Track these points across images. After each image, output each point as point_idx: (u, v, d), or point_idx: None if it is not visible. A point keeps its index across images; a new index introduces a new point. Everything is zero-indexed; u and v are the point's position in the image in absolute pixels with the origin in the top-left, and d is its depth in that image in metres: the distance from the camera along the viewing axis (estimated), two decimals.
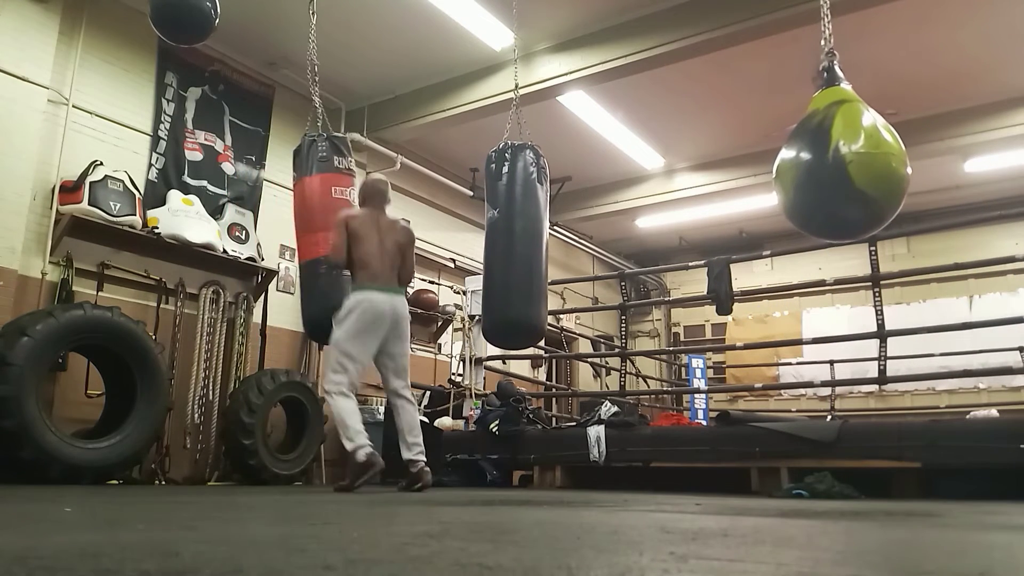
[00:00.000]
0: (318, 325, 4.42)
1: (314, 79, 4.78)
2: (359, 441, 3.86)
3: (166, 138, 5.79)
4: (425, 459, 4.14)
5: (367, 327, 3.99)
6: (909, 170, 3.20)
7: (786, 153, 3.37)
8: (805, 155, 3.27)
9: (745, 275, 8.84)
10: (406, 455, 4.15)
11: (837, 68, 3.47)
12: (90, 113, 5.33)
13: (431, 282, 8.03)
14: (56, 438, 4.04)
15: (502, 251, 4.29)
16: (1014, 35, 6.14)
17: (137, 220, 5.23)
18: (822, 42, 3.55)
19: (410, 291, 7.20)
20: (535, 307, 4.25)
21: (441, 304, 7.89)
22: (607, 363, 10.08)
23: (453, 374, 7.41)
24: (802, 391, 9.95)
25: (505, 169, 4.33)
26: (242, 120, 6.42)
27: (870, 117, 3.23)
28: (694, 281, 10.24)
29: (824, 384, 8.14)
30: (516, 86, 4.83)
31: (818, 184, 3.22)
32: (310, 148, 4.60)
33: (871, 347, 5.68)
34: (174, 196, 5.64)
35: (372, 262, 4.06)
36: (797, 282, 7.93)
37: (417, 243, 7.54)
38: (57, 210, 4.96)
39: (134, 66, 5.66)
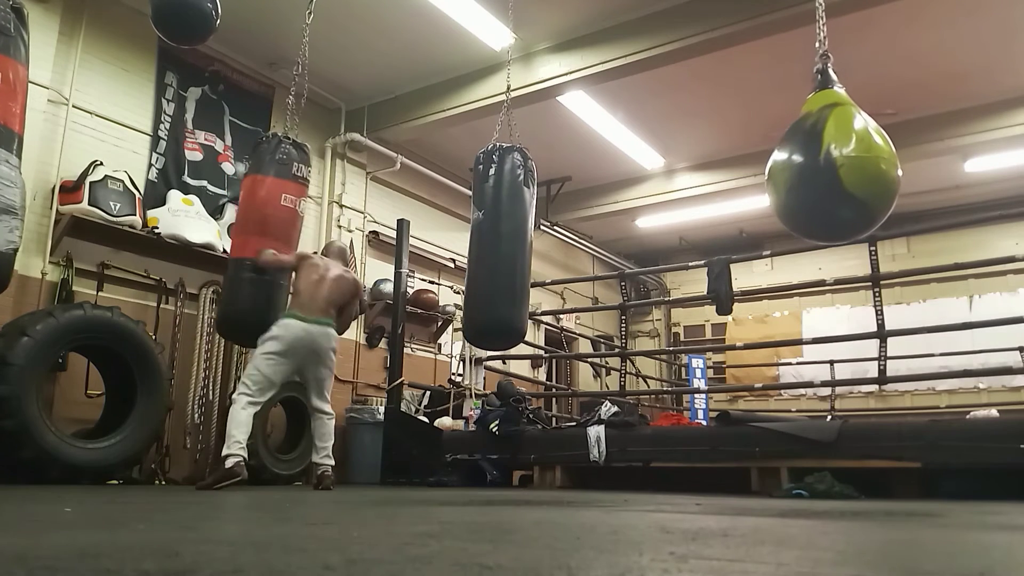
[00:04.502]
0: (236, 325, 4.46)
1: (294, 77, 4.69)
2: (235, 450, 4.07)
3: (166, 138, 5.80)
4: (330, 464, 4.51)
5: (283, 352, 4.28)
6: (900, 172, 3.22)
7: (779, 155, 3.41)
8: (797, 157, 3.31)
9: (745, 275, 8.83)
10: (314, 459, 4.56)
11: (831, 70, 3.49)
12: (90, 113, 5.33)
13: (431, 282, 8.03)
14: (56, 438, 4.04)
15: (487, 252, 4.29)
16: (1013, 35, 6.14)
17: (137, 220, 5.23)
18: (816, 44, 3.56)
19: (410, 291, 7.23)
20: (517, 309, 4.26)
21: (441, 304, 7.89)
22: (607, 363, 10.08)
23: (453, 374, 7.42)
24: (802, 391, 9.94)
25: (492, 171, 4.33)
26: (242, 120, 6.42)
27: (862, 120, 3.26)
28: (694, 281, 10.23)
29: (824, 384, 8.13)
30: (508, 88, 4.83)
31: (809, 186, 3.26)
32: (273, 146, 4.46)
33: (871, 347, 5.67)
34: (174, 196, 5.64)
35: (305, 295, 4.40)
36: (797, 282, 7.93)
37: (417, 243, 7.65)
38: (57, 210, 4.96)
39: (134, 66, 5.66)
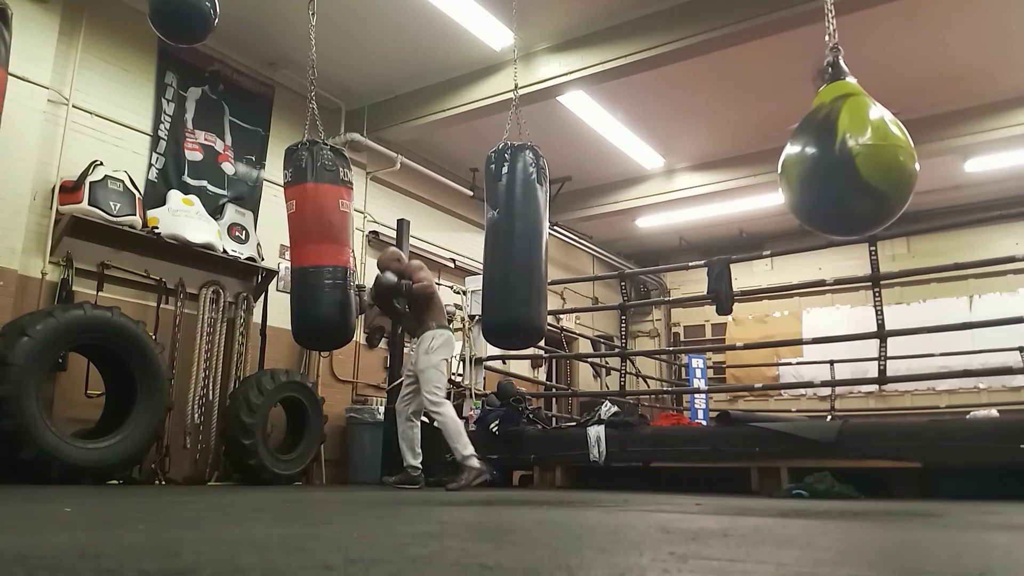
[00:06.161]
0: (318, 332, 4.48)
1: (312, 81, 4.74)
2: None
3: (166, 138, 5.79)
4: (460, 458, 4.70)
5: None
6: (917, 165, 3.15)
7: (792, 148, 3.31)
8: (811, 149, 3.21)
9: (745, 275, 8.83)
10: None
11: (842, 62, 3.44)
12: (90, 113, 5.33)
13: None
14: (56, 438, 4.04)
15: (502, 252, 4.28)
16: (1012, 36, 6.14)
17: (137, 220, 5.23)
18: (826, 37, 3.51)
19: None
20: (535, 307, 4.25)
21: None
22: (607, 363, 10.08)
23: (453, 374, 7.42)
24: (802, 391, 9.94)
25: (505, 169, 4.32)
26: (242, 120, 6.42)
27: (877, 110, 3.17)
28: (694, 281, 10.23)
29: (824, 384, 8.13)
30: (516, 86, 4.83)
31: (825, 178, 3.15)
32: (314, 153, 4.52)
33: (871, 347, 5.67)
34: (174, 196, 5.64)
35: (441, 305, 5.11)
36: (797, 282, 7.92)
37: (417, 243, 7.65)
38: (57, 210, 4.95)
39: (134, 66, 5.66)
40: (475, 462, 4.61)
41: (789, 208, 3.40)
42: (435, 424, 4.80)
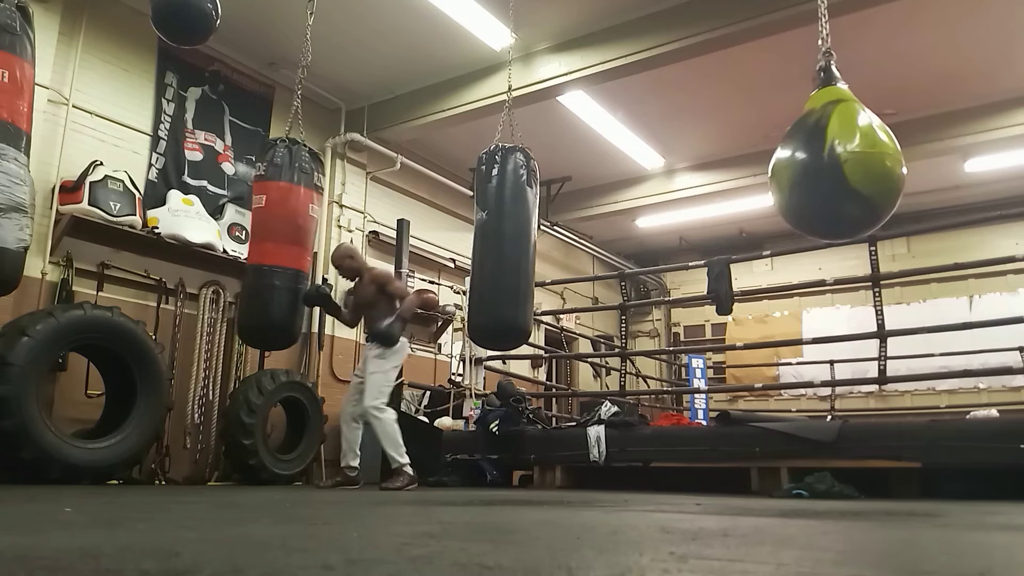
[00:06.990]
0: (266, 333, 4.53)
1: (299, 80, 4.75)
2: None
3: (166, 138, 5.80)
4: (396, 465, 4.72)
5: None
6: (905, 170, 3.20)
7: (782, 152, 3.38)
8: (800, 154, 3.28)
9: (745, 275, 8.83)
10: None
11: (834, 68, 3.48)
12: (90, 113, 5.33)
13: (431, 282, 8.02)
14: (56, 438, 4.03)
15: (491, 253, 4.30)
16: (1012, 36, 6.14)
17: (137, 220, 5.23)
18: (819, 42, 3.55)
19: (410, 290, 7.23)
20: (522, 309, 4.28)
21: (441, 304, 7.89)
22: (607, 363, 10.08)
23: (453, 374, 7.42)
24: (802, 391, 9.95)
25: (495, 171, 4.34)
26: (242, 120, 6.42)
27: (866, 117, 3.24)
28: (694, 281, 10.23)
29: (824, 384, 8.13)
30: (509, 88, 4.83)
31: (813, 183, 3.23)
32: (292, 152, 4.48)
33: (871, 347, 5.68)
34: (174, 196, 5.64)
35: None
36: (797, 282, 7.93)
37: (417, 243, 7.65)
38: (57, 210, 4.96)
39: (134, 66, 5.66)
40: (410, 470, 4.65)
41: (778, 210, 3.46)
42: (373, 425, 4.75)
